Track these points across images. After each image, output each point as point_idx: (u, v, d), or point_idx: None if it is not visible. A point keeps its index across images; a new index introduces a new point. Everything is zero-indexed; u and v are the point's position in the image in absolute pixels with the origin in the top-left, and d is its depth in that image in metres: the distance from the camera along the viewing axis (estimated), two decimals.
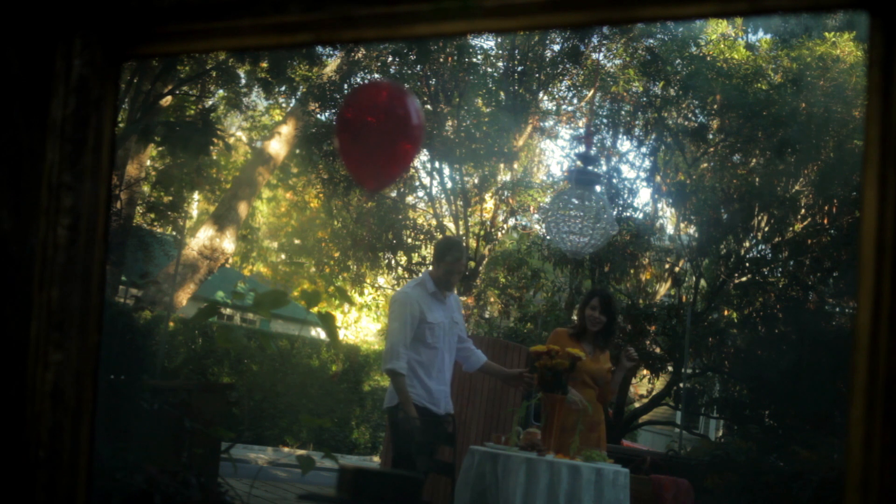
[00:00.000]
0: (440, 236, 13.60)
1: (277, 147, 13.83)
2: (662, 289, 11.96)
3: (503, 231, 13.99)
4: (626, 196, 11.06)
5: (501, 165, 13.24)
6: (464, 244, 5.54)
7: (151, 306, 11.69)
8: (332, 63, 12.37)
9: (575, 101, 13.90)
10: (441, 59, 11.76)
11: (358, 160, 2.48)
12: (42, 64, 0.98)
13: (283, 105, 16.03)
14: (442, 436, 4.66)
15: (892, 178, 0.78)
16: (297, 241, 20.45)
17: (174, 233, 14.82)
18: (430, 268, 4.96)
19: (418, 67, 11.51)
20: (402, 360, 4.46)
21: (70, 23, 0.98)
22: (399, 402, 4.46)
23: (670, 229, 13.24)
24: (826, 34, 10.38)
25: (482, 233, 13.29)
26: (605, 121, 12.01)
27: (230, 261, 15.65)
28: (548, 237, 8.97)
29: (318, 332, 18.34)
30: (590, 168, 7.06)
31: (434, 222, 13.87)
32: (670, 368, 10.79)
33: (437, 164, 13.42)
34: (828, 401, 8.84)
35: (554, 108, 14.06)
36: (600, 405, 5.02)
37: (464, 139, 12.18)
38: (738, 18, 10.41)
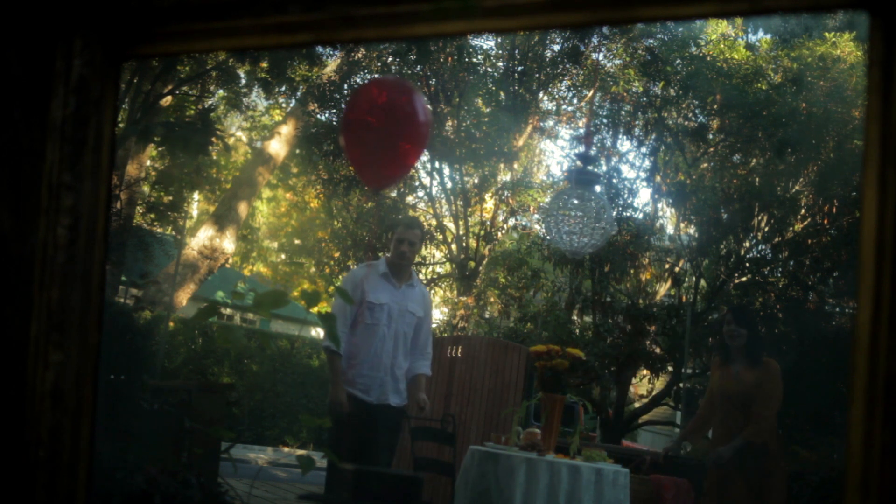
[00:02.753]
0: (440, 236, 13.61)
1: (277, 147, 13.82)
2: (662, 289, 11.96)
3: (503, 231, 13.99)
4: (626, 196, 11.04)
5: (501, 165, 13.25)
6: (418, 220, 5.24)
7: (151, 306, 11.69)
8: (332, 63, 12.37)
9: (575, 101, 13.90)
10: (441, 59, 11.76)
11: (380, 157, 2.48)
12: (42, 64, 0.98)
13: (283, 105, 16.03)
14: (374, 427, 4.32)
15: (892, 178, 0.78)
16: (297, 241, 20.45)
17: (174, 233, 14.82)
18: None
19: (418, 67, 11.50)
20: (340, 339, 4.27)
21: (70, 23, 0.98)
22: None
23: (670, 229, 13.23)
24: (826, 34, 10.37)
25: (482, 233, 13.28)
26: (605, 121, 12.00)
27: (230, 261, 15.65)
28: (547, 237, 8.97)
29: (318, 332, 18.33)
30: (589, 168, 7.05)
31: (434, 222, 13.86)
32: (670, 368, 10.79)
33: (437, 164, 13.42)
34: (828, 401, 8.83)
35: (554, 108, 14.06)
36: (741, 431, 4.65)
37: (464, 139, 12.18)
38: (738, 18, 10.40)
